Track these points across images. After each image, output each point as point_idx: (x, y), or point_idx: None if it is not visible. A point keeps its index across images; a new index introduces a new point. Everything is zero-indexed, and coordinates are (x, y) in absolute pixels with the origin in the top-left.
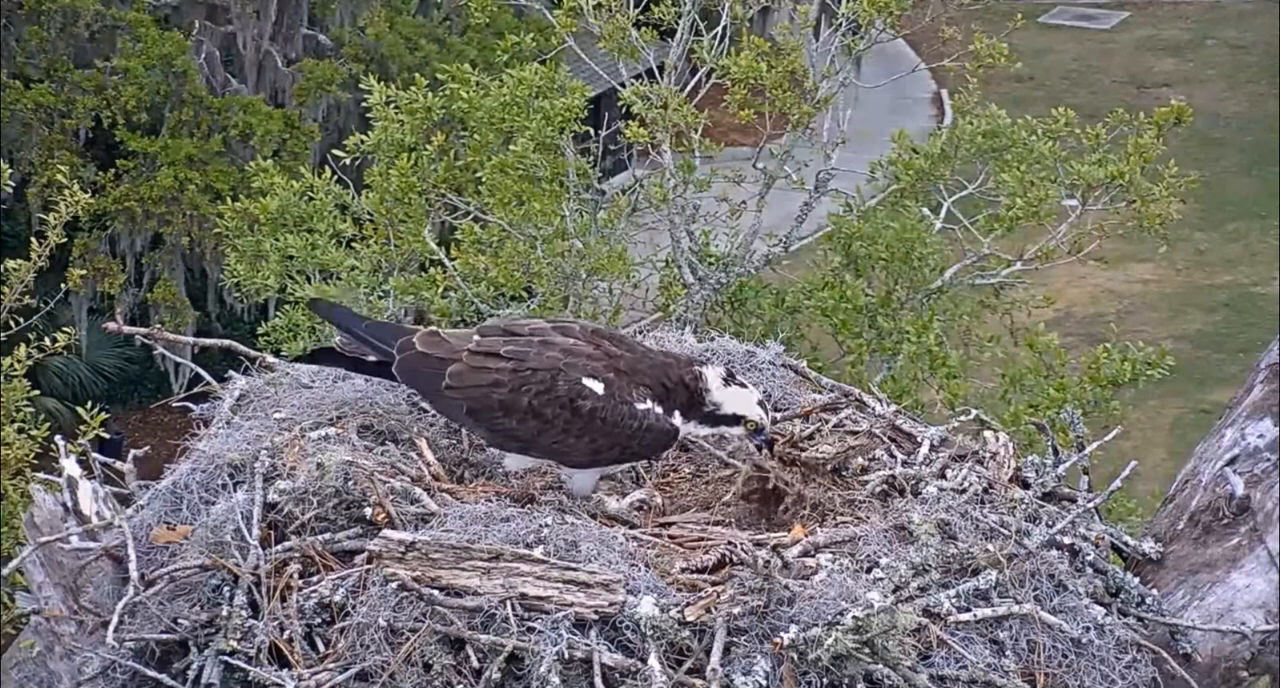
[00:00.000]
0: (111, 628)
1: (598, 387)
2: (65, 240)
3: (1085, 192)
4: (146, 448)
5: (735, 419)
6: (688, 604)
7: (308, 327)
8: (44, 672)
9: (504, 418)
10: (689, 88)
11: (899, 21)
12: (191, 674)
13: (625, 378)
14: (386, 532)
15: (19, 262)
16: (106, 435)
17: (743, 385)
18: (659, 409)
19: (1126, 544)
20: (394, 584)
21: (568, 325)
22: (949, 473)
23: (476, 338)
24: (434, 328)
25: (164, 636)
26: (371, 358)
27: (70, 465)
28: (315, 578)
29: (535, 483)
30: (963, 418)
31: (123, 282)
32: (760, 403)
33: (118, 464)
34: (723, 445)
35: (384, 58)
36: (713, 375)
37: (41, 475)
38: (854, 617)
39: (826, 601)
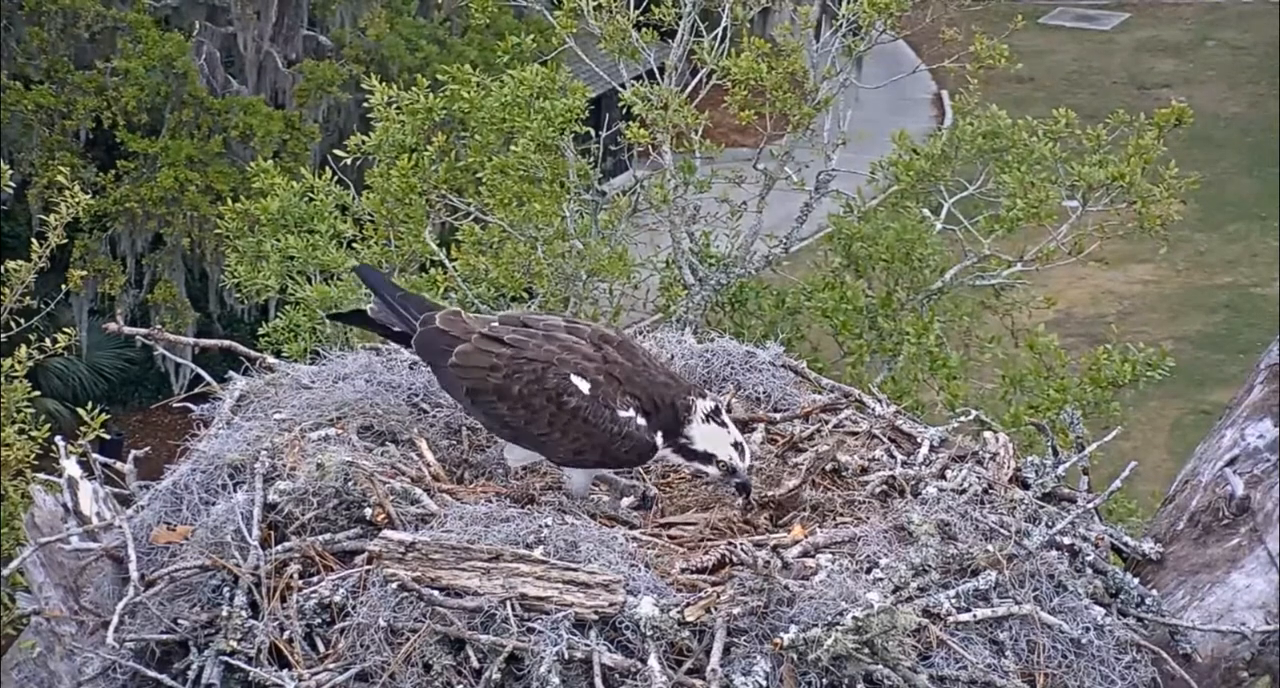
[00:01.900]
0: (112, 628)
1: (584, 386)
2: (66, 241)
3: (1086, 193)
4: (147, 449)
5: (706, 457)
6: (688, 605)
7: (308, 328)
8: (44, 672)
9: (497, 402)
10: (689, 89)
11: (899, 22)
12: (192, 675)
13: (615, 384)
14: (386, 532)
15: (20, 262)
16: (107, 436)
17: (722, 424)
18: (642, 421)
19: (1126, 545)
20: (394, 585)
21: (579, 326)
22: (949, 474)
23: (493, 323)
24: (458, 308)
25: (164, 636)
26: (397, 328)
27: (71, 466)
28: (315, 578)
29: (535, 484)
30: (963, 419)
31: (123, 282)
32: (736, 445)
33: (118, 465)
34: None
35: (384, 59)
36: (699, 408)
37: (42, 476)
38: (854, 617)
39: (826, 601)
